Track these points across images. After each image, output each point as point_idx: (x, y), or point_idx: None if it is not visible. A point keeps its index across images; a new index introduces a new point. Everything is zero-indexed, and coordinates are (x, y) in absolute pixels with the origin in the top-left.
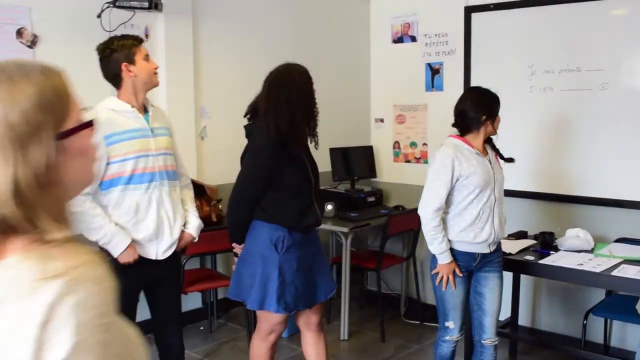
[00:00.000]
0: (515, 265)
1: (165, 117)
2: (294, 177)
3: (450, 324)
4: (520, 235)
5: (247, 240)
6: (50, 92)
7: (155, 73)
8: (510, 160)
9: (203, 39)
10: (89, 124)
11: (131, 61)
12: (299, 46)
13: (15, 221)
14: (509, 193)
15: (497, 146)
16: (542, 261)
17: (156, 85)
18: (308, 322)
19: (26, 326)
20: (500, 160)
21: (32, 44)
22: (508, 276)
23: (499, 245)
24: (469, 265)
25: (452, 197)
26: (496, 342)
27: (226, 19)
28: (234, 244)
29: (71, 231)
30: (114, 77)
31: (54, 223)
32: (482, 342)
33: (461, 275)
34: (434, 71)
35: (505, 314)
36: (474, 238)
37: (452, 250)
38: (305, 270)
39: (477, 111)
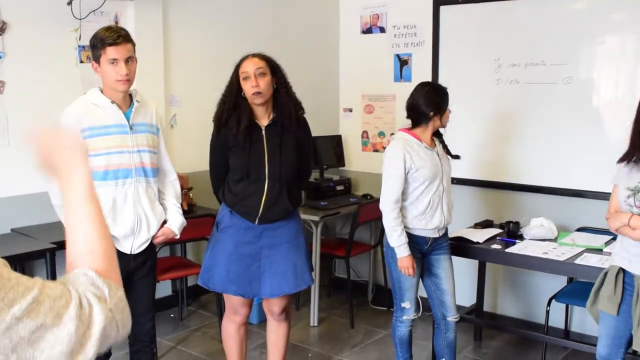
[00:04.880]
0: (483, 254)
1: (151, 113)
2: (236, 162)
3: (406, 304)
4: (486, 224)
5: None
6: None
7: (119, 80)
8: (457, 157)
9: (172, 26)
10: None
11: (97, 62)
12: (267, 35)
13: None
14: (475, 183)
15: (462, 135)
16: (508, 250)
17: (119, 91)
18: (270, 310)
19: None
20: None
21: (1, 30)
22: (474, 264)
23: (446, 230)
24: (422, 248)
25: (405, 188)
26: (458, 318)
27: (195, 7)
28: None
29: None
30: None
31: None
32: (447, 319)
33: (414, 273)
34: (402, 62)
35: (471, 300)
36: (426, 225)
37: (407, 233)
38: (244, 259)
39: (426, 107)
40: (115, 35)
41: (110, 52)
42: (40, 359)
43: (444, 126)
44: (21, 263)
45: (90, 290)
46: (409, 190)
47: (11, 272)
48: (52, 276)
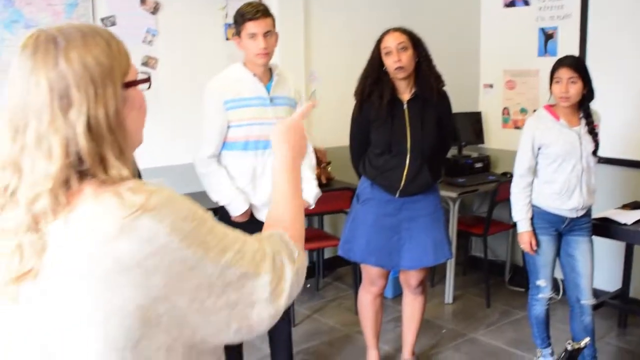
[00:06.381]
0: (630, 236)
1: (290, 87)
2: (378, 136)
3: (541, 282)
4: (636, 205)
5: None
6: (115, 45)
7: (258, 54)
8: (595, 153)
9: (313, 3)
10: (147, 80)
11: (239, 36)
12: (406, 10)
13: (86, 156)
14: (624, 163)
15: (612, 113)
16: None
17: (259, 65)
18: (407, 282)
19: (129, 259)
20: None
21: (155, 10)
22: (620, 246)
23: (588, 210)
24: (558, 227)
25: (538, 165)
26: (594, 302)
27: None
28: None
29: (130, 173)
30: None
31: (116, 162)
32: (581, 302)
33: (535, 249)
34: (547, 36)
35: (616, 285)
36: (562, 204)
37: (542, 210)
38: (385, 231)
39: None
40: (254, 10)
41: (250, 26)
42: (242, 303)
43: (557, 99)
44: None
45: (285, 251)
46: (541, 167)
47: (218, 224)
48: None
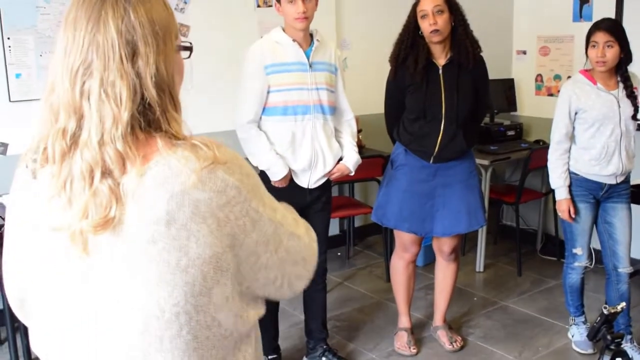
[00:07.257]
0: None
1: (330, 53)
2: (413, 102)
3: (578, 250)
4: None
5: None
6: (168, 5)
7: (297, 18)
8: (635, 117)
9: None
10: (191, 48)
11: (279, 1)
12: None
13: (154, 104)
14: None
15: None
16: None
17: (298, 29)
18: (440, 249)
19: (205, 208)
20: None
21: None
22: None
23: (627, 176)
24: (597, 194)
25: (575, 130)
26: (631, 270)
27: None
28: None
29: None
30: None
31: (177, 116)
32: (618, 270)
33: (573, 217)
34: (582, 1)
35: None
36: (601, 170)
37: (580, 177)
38: (418, 197)
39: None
40: None
41: None
42: (289, 262)
43: (592, 63)
44: None
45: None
46: (578, 133)
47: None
48: None
